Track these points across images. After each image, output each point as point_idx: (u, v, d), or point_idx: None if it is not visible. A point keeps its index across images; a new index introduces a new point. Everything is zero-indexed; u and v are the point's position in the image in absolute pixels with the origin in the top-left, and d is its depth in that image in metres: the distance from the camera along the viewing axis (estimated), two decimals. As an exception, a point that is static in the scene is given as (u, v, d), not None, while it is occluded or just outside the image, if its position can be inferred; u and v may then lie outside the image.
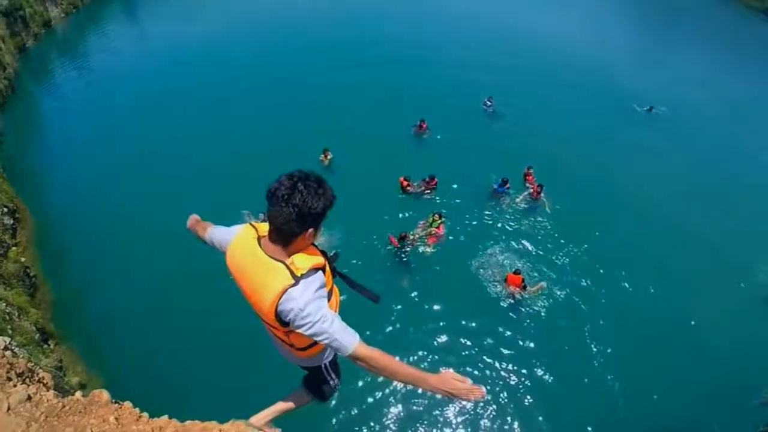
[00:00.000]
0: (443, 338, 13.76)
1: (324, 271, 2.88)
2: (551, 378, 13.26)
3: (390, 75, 24.58)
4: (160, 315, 13.44)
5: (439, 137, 20.71)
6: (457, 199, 17.89)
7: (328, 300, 2.84)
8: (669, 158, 22.98)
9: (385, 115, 21.35)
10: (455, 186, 18.28)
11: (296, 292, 2.66)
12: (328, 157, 18.35)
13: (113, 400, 5.64)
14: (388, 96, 22.90)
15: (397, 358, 2.70)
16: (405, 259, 15.55)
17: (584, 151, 21.64)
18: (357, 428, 11.65)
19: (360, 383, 12.19)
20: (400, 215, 17.01)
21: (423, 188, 17.76)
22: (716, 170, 23.26)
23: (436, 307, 14.47)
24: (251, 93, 22.53)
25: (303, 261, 2.74)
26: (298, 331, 2.72)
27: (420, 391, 10.71)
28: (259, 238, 2.89)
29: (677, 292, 16.31)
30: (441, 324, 14.05)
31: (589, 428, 12.50)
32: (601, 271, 16.30)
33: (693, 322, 15.51)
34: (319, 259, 2.85)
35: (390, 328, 13.71)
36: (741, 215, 20.36)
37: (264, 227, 2.89)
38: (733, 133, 26.69)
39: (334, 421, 11.62)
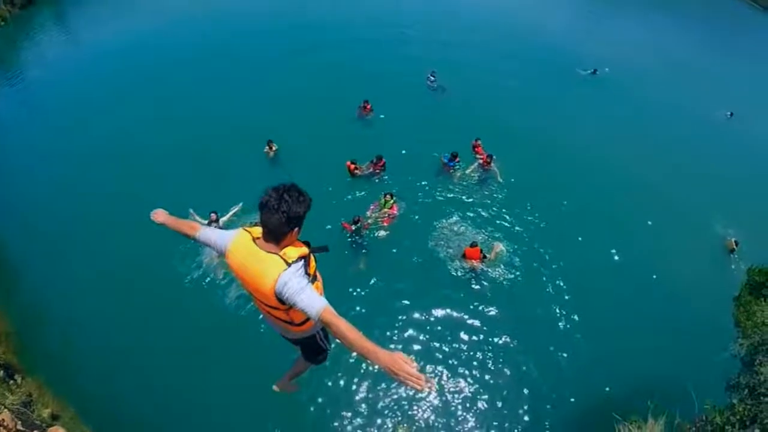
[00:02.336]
0: (408, 320, 13.15)
1: (308, 259, 3.50)
2: (519, 346, 12.85)
3: (330, 58, 23.58)
4: (124, 328, 12.50)
5: (383, 117, 19.91)
6: (407, 177, 17.14)
7: (313, 282, 3.42)
8: (617, 118, 22.84)
9: (328, 99, 20.43)
10: (405, 164, 17.52)
11: (286, 272, 3.26)
12: (273, 148, 17.39)
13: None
14: (330, 80, 21.98)
15: (370, 340, 2.88)
16: (362, 244, 14.86)
17: (531, 117, 21.14)
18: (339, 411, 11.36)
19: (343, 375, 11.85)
20: (352, 200, 16.23)
21: (371, 170, 17.03)
22: (665, 126, 23.27)
23: (398, 290, 13.78)
24: (188, 89, 21.26)
25: (292, 252, 3.39)
26: (284, 299, 3.29)
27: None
28: (254, 239, 3.47)
29: (637, 249, 16.03)
30: (405, 306, 13.44)
31: (564, 392, 12.17)
32: (559, 234, 15.86)
33: (655, 276, 15.27)
34: (304, 250, 3.51)
35: (353, 313, 12.96)
36: (692, 168, 20.32)
37: (256, 231, 3.51)
38: (679, 90, 26.82)
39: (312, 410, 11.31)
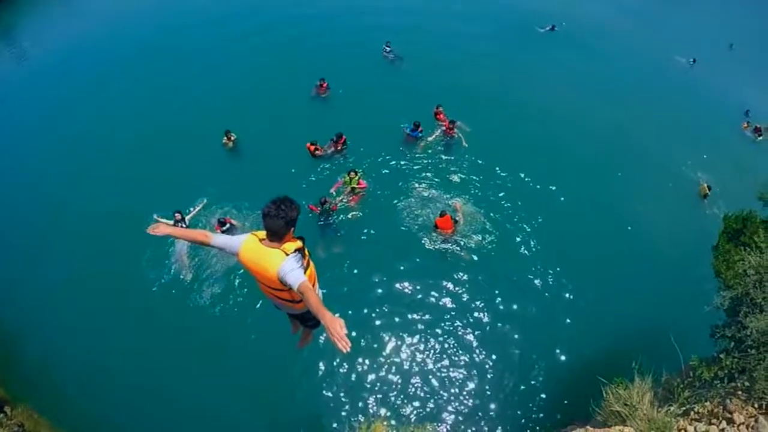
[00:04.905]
0: (387, 298, 12.99)
1: (302, 250, 4.37)
2: (499, 315, 12.73)
3: (279, 39, 22.75)
4: (103, 341, 12.03)
5: (341, 93, 19.27)
6: (371, 152, 16.59)
7: (306, 271, 4.26)
8: (579, 71, 22.59)
9: (283, 82, 19.71)
10: (367, 139, 16.92)
11: (286, 260, 4.14)
12: (232, 138, 16.75)
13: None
14: (282, 61, 21.16)
15: (324, 306, 3.61)
16: (332, 226, 14.40)
17: (492, 79, 20.78)
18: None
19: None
20: (316, 181, 15.68)
21: (332, 149, 16.41)
22: (628, 76, 23.21)
23: (373, 269, 13.54)
24: (137, 88, 20.20)
25: (290, 246, 4.24)
26: (280, 279, 4.15)
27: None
28: (260, 240, 4.31)
29: (609, 203, 15.89)
30: (382, 284, 13.27)
31: (548, 357, 12.11)
32: (529, 194, 15.70)
33: (630, 228, 15.17)
34: (299, 244, 4.36)
35: (332, 297, 12.34)
36: (658, 116, 20.31)
37: (260, 234, 4.33)
38: (639, 40, 26.75)
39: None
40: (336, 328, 3.37)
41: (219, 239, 4.62)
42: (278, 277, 4.18)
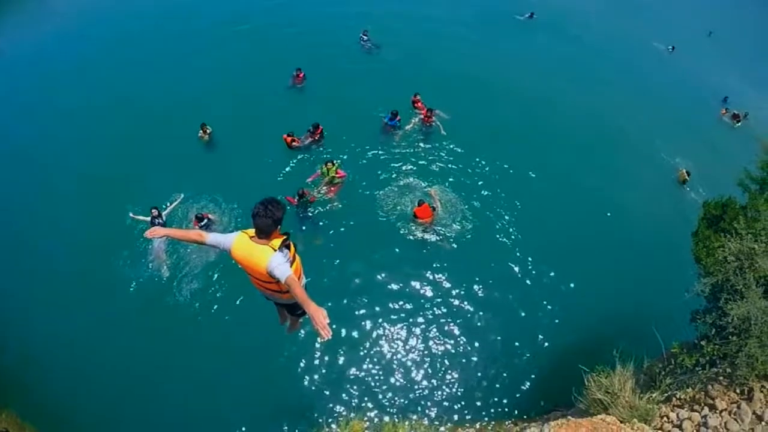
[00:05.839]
0: (368, 289, 12.84)
1: (288, 246, 4.76)
2: (480, 304, 12.66)
3: (254, 28, 22.37)
4: (85, 342, 11.73)
5: (318, 83, 18.96)
6: (349, 142, 16.36)
7: (292, 264, 4.67)
8: (559, 59, 22.63)
9: (258, 72, 19.39)
10: (345, 130, 16.71)
11: (274, 256, 4.53)
12: (207, 131, 16.41)
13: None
14: (257, 51, 20.84)
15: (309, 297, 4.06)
16: (311, 218, 14.22)
17: (471, 68, 20.61)
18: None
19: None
20: (293, 173, 15.45)
21: (309, 140, 16.15)
22: (608, 64, 23.35)
23: (354, 260, 13.38)
24: (110, 83, 19.65)
25: (277, 242, 4.62)
26: (270, 272, 4.51)
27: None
28: (250, 238, 4.70)
29: (588, 190, 15.91)
30: (363, 275, 13.13)
31: (529, 337, 12.15)
32: (508, 182, 15.64)
33: (609, 214, 15.21)
34: (284, 239, 4.70)
35: (315, 288, 12.40)
36: (638, 103, 20.42)
37: (250, 232, 4.72)
38: (619, 28, 26.79)
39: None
40: (319, 317, 3.81)
41: (212, 238, 4.95)
42: (267, 270, 4.52)
